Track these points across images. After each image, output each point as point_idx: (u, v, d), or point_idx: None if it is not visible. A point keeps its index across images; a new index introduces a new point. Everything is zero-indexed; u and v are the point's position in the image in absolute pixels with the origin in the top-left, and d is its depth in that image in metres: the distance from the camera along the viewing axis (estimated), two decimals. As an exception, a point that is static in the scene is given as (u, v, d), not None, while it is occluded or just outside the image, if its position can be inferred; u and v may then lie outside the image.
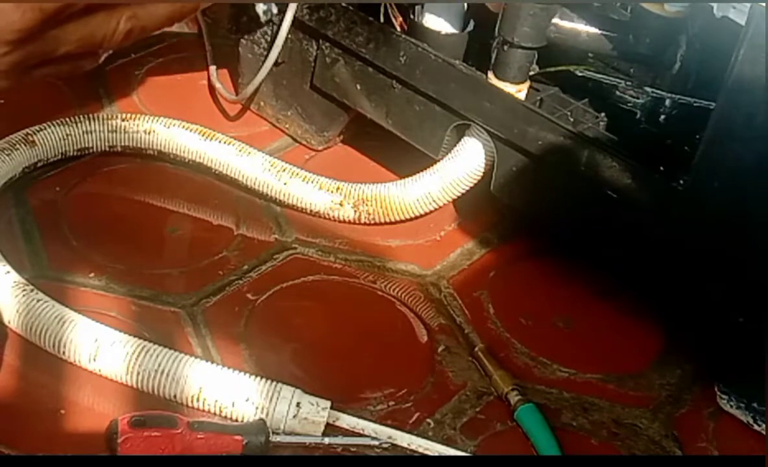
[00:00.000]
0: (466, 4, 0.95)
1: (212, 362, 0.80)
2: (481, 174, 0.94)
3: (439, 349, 0.88)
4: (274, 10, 0.53)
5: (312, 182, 0.98)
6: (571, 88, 0.96)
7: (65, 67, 0.60)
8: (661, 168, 0.85)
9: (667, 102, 0.93)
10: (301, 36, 1.02)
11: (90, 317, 0.81)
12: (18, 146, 0.95)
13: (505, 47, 0.90)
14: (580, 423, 0.84)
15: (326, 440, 0.78)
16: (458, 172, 0.94)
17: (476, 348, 0.87)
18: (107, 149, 1.00)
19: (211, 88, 1.12)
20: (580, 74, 0.96)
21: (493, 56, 0.91)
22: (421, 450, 0.79)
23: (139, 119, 1.00)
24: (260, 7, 0.55)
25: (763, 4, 0.73)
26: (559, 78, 0.96)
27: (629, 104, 0.95)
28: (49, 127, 0.97)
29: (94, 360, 0.79)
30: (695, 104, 0.91)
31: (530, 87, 0.93)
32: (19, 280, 0.82)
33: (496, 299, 0.94)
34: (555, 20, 0.91)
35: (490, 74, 0.92)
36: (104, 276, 0.89)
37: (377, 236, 0.98)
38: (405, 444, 0.79)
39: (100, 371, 0.80)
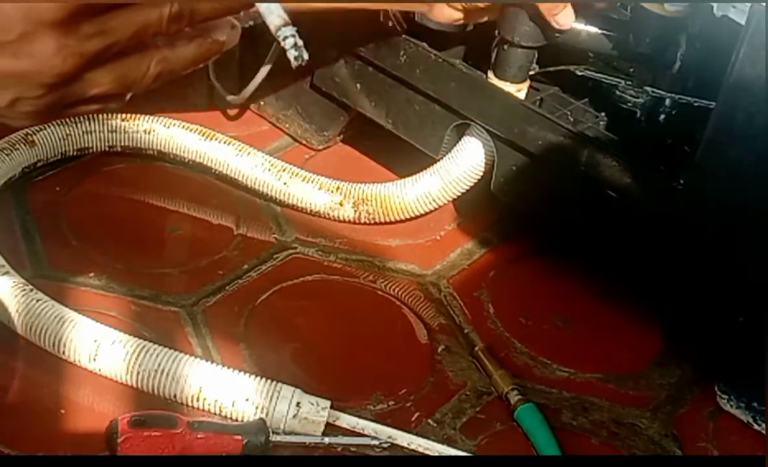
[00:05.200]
0: (466, 4, 0.95)
1: (212, 362, 0.80)
2: (481, 173, 0.94)
3: (439, 349, 0.88)
4: (305, 56, 0.51)
5: (312, 182, 0.98)
6: (571, 88, 0.95)
7: (94, 107, 0.60)
8: (661, 168, 0.85)
9: (667, 102, 0.93)
10: (301, 36, 1.02)
11: (90, 317, 0.81)
12: (18, 146, 0.95)
13: (505, 47, 0.90)
14: (580, 423, 0.84)
15: (326, 440, 0.78)
16: (458, 172, 0.94)
17: (476, 348, 0.87)
18: (107, 149, 1.00)
19: (211, 88, 1.11)
20: (580, 74, 0.96)
21: (493, 56, 0.91)
22: (421, 450, 0.79)
23: (138, 119, 1.00)
24: (291, 53, 0.53)
25: (763, 4, 0.73)
26: (559, 78, 0.96)
27: (629, 104, 0.95)
28: (49, 127, 0.97)
29: (94, 359, 0.79)
30: (695, 104, 0.91)
31: (530, 86, 0.93)
32: (18, 280, 0.82)
33: (496, 299, 0.94)
34: (555, 20, 0.91)
35: (490, 74, 0.92)
36: (104, 276, 0.89)
37: (377, 236, 0.98)
38: (405, 444, 0.79)
39: (100, 371, 0.80)
